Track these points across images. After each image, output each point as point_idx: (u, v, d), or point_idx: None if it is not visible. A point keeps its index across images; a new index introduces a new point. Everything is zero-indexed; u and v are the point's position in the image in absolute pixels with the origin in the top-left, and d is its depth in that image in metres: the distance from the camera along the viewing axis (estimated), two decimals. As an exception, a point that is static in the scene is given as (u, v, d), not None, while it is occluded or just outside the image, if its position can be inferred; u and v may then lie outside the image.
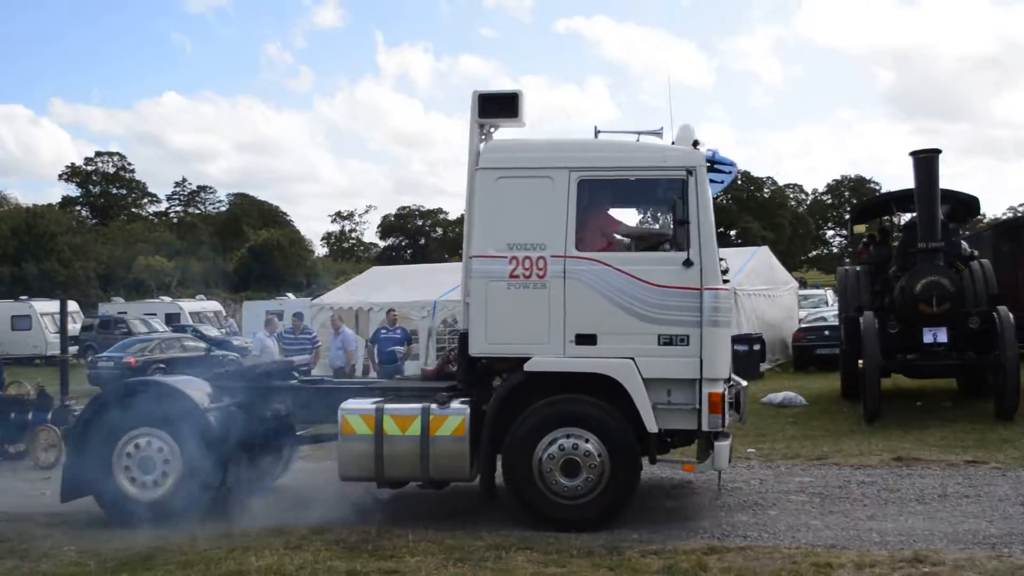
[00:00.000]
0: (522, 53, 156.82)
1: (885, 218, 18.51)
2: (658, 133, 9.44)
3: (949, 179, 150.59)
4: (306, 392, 10.01)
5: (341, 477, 9.10)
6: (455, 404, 8.91)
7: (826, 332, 22.89)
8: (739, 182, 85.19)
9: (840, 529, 8.38)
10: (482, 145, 9.29)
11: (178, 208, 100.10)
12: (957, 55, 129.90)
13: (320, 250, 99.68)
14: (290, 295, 45.51)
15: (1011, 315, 14.00)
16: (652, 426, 8.59)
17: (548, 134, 9.58)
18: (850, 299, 16.87)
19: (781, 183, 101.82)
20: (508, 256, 8.86)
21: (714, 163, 9.32)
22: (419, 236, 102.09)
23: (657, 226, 10.09)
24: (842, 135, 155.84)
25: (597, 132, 9.49)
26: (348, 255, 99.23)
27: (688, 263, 8.61)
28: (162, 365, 20.28)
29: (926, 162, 14.26)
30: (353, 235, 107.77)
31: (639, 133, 9.43)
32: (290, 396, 9.96)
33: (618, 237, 9.45)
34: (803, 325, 25.75)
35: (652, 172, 9.14)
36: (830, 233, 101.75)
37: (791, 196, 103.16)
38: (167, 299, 47.96)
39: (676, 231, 8.68)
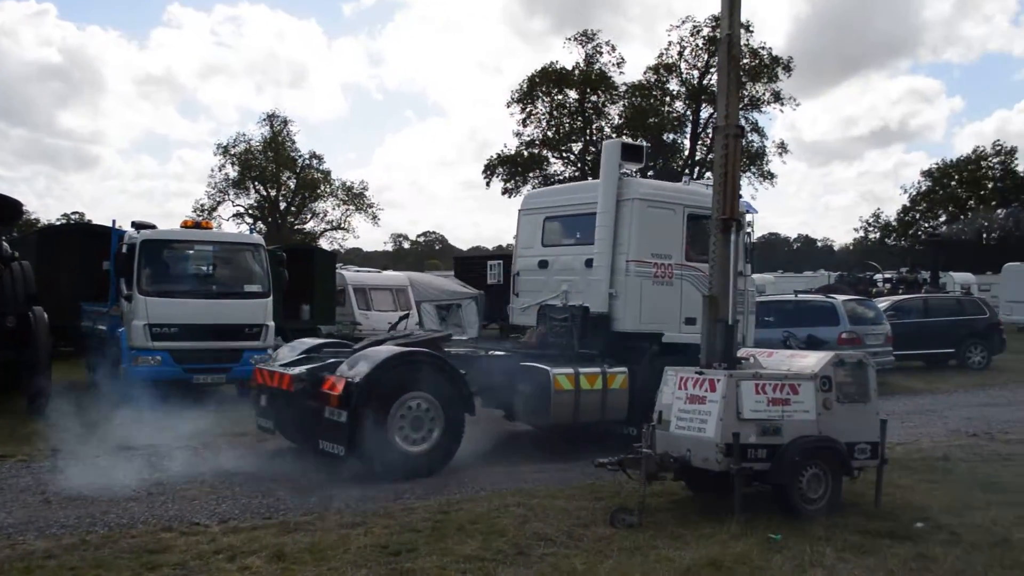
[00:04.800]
0: None
1: None
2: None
3: (8, 182, 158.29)
4: (487, 360, 12.05)
5: (553, 425, 11.93)
6: (617, 365, 12.08)
7: None
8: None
9: None
10: (631, 181, 12.75)
11: None
12: (24, 60, 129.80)
13: None
14: None
15: (45, 315, 15.09)
16: None
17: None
18: None
19: None
20: (652, 262, 12.61)
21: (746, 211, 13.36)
22: None
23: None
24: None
25: (688, 181, 14.09)
26: None
27: (740, 273, 12.01)
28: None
29: None
30: None
31: (705, 184, 13.31)
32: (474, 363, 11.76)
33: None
34: None
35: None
36: None
37: None
38: None
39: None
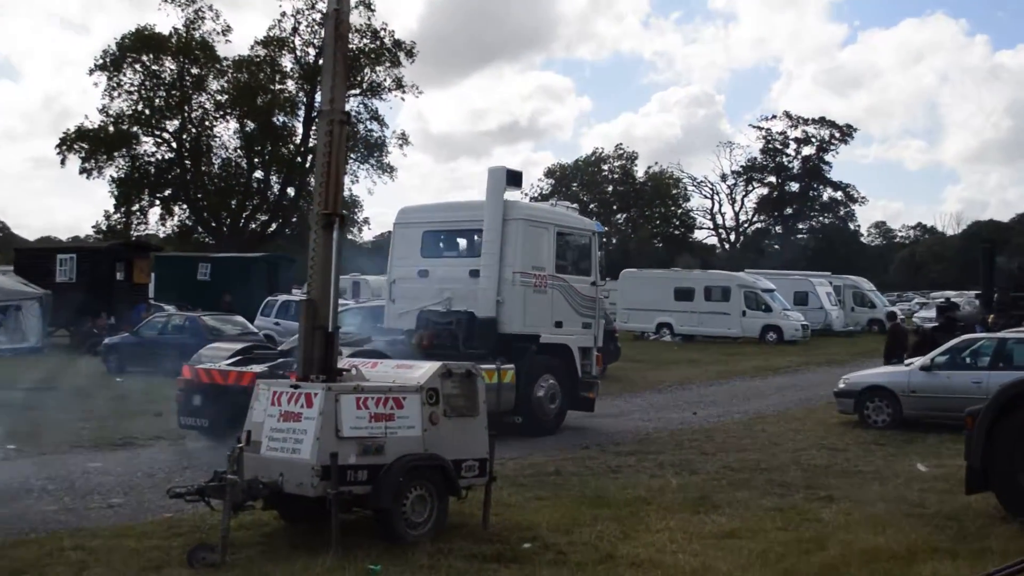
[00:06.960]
0: None
1: None
2: (575, 207, 18.18)
3: None
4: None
5: None
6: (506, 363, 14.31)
7: None
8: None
9: None
10: (515, 203, 15.48)
11: None
12: None
13: None
14: None
15: None
16: (580, 372, 15.71)
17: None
18: None
19: None
20: (533, 274, 15.01)
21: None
22: None
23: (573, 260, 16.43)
24: None
25: (555, 203, 17.47)
26: None
27: (593, 283, 16.22)
28: None
29: None
30: None
31: (566, 206, 17.69)
32: None
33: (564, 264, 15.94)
34: None
35: (582, 232, 16.46)
36: None
37: None
38: None
39: (590, 264, 16.46)
